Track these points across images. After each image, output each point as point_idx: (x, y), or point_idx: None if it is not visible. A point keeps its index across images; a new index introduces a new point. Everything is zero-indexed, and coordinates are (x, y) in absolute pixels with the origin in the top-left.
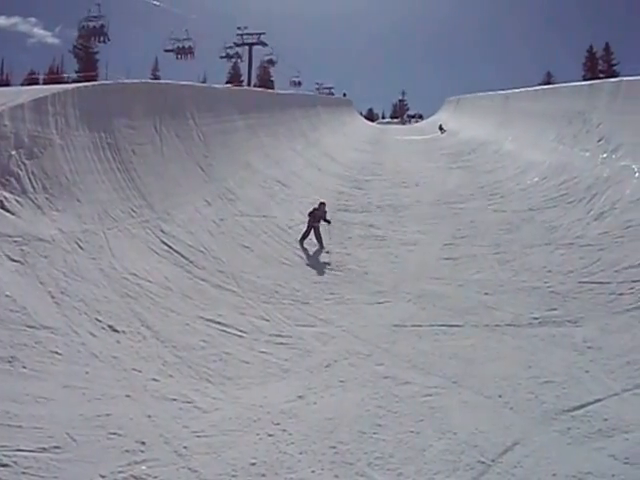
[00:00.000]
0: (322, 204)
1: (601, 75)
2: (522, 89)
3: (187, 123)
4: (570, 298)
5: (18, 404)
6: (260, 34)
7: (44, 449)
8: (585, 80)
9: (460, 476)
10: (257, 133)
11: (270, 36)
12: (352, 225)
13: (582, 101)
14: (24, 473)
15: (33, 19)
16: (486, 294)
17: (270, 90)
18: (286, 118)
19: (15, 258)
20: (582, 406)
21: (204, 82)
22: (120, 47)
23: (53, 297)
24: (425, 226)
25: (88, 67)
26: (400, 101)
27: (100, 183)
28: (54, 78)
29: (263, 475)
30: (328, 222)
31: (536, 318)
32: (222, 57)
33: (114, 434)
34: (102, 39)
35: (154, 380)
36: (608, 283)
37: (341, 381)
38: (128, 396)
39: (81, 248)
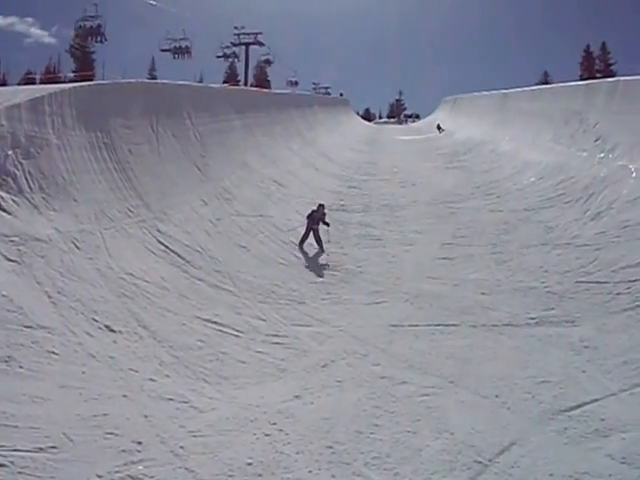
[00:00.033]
0: (321, 206)
1: (598, 75)
2: (519, 89)
3: (184, 123)
4: (567, 298)
5: (15, 404)
6: (257, 34)
7: (41, 449)
8: (582, 80)
9: (457, 476)
10: (254, 133)
11: (267, 36)
12: (349, 225)
13: (579, 101)
14: (20, 473)
15: (30, 19)
16: (483, 294)
17: (267, 90)
18: (283, 118)
19: (12, 258)
20: (579, 406)
21: (201, 82)
22: (117, 47)
23: (50, 297)
24: (422, 226)
25: (85, 67)
26: (397, 101)
27: (97, 183)
28: (51, 78)
29: (260, 475)
30: (327, 225)
31: (533, 318)
32: (219, 57)
33: (111, 434)
34: (99, 39)
35: (151, 380)
36: (605, 283)
37: (338, 381)
38: (125, 396)
39: (78, 248)
